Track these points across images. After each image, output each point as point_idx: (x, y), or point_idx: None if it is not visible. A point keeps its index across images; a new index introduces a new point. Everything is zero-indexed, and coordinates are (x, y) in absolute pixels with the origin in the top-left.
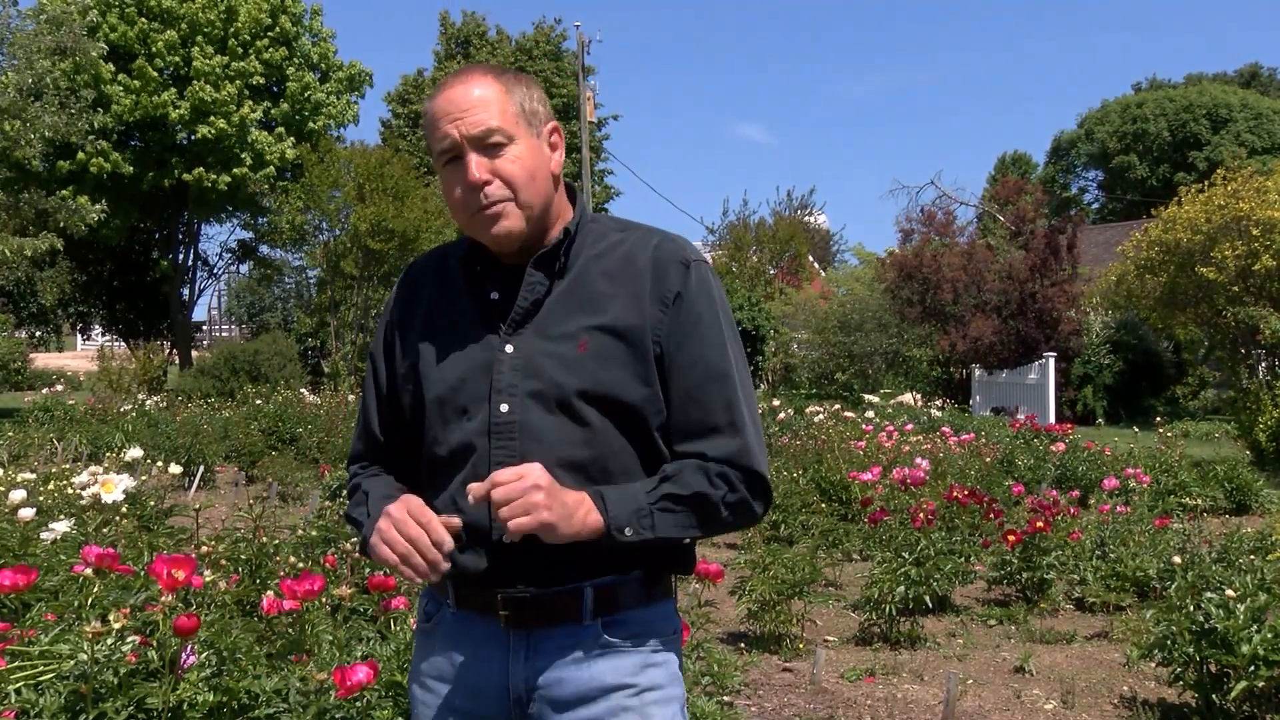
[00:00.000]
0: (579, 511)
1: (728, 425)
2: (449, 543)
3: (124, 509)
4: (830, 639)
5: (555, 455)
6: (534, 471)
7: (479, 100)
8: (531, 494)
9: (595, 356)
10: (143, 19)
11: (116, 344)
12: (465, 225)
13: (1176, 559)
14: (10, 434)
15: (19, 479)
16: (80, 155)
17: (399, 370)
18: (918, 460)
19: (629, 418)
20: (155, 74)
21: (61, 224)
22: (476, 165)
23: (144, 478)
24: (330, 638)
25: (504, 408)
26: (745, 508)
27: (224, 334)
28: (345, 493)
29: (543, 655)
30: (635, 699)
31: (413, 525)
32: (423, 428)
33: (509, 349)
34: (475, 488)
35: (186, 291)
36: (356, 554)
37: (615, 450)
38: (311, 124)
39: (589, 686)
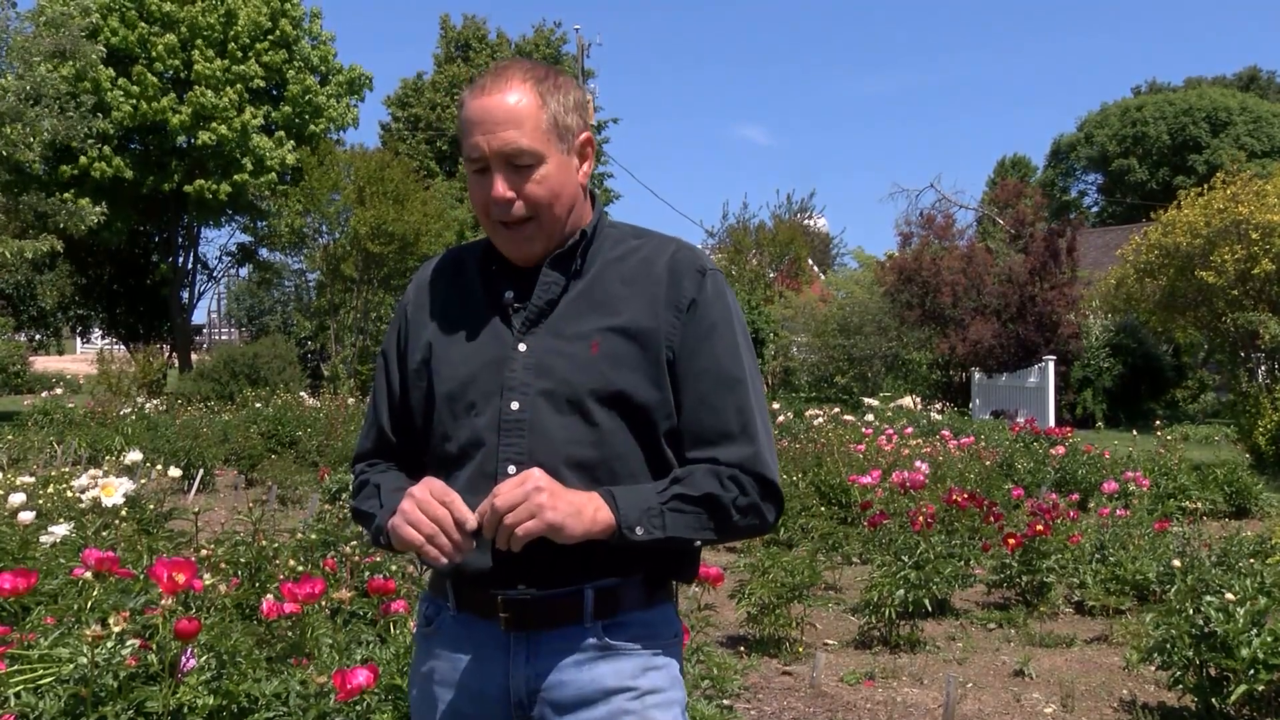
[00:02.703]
0: (588, 509)
1: (740, 431)
2: (472, 520)
3: (123, 512)
4: (830, 642)
5: (563, 454)
6: (534, 475)
7: (512, 116)
8: (534, 496)
9: (607, 357)
10: (143, 23)
11: (116, 347)
12: (488, 232)
13: (1176, 562)
14: (10, 437)
15: (19, 482)
16: (82, 159)
17: (411, 367)
18: (917, 463)
19: (638, 420)
20: (154, 80)
21: (61, 225)
22: (501, 184)
23: (143, 481)
24: (330, 641)
25: (515, 405)
26: (756, 513)
27: (223, 337)
28: (351, 490)
29: (543, 657)
30: (636, 702)
31: (436, 505)
32: (431, 424)
33: (522, 348)
34: (483, 509)
35: (186, 295)
36: (356, 557)
37: (623, 453)
38: (312, 127)
39: (590, 689)
